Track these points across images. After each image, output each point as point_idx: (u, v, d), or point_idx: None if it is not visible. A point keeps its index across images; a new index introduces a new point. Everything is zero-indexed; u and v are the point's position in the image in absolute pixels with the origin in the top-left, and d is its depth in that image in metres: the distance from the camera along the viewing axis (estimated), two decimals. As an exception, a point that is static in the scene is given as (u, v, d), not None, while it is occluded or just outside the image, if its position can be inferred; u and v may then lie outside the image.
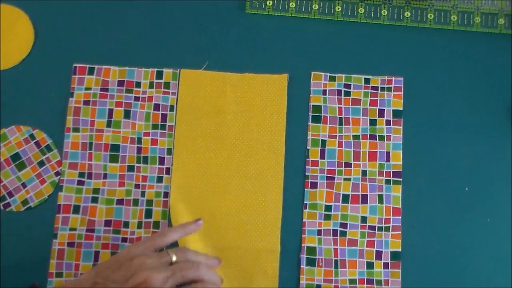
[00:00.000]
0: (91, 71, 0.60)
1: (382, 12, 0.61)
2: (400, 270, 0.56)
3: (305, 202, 0.58)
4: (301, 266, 0.56)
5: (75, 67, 0.60)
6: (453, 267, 0.57)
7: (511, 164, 0.58)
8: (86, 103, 0.59)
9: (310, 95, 0.59)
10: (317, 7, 0.61)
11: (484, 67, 0.61)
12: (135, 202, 0.58)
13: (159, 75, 0.60)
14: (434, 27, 0.61)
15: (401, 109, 0.59)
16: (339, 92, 0.59)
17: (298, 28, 0.61)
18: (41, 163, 0.58)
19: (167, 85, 0.60)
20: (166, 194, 0.58)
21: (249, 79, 0.60)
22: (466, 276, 0.56)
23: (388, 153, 0.58)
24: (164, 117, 0.59)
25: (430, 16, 0.61)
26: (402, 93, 0.59)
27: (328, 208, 0.58)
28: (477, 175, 0.58)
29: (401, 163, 0.58)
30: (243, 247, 0.57)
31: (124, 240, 0.57)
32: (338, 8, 0.61)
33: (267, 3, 0.61)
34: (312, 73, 0.60)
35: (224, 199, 0.58)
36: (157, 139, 0.59)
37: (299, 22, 0.62)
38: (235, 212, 0.57)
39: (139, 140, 0.59)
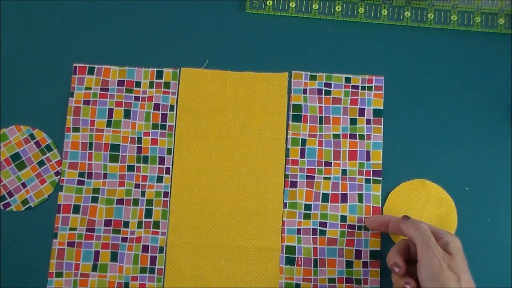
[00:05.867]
0: (91, 71, 0.60)
1: (382, 12, 0.61)
2: (379, 269, 0.56)
3: (284, 201, 0.58)
4: (281, 265, 0.57)
5: (75, 67, 0.60)
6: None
7: (511, 164, 0.58)
8: (86, 103, 0.59)
9: (291, 94, 0.60)
10: (317, 7, 0.61)
11: (484, 67, 0.61)
12: (135, 202, 0.58)
13: (159, 75, 0.60)
14: (434, 27, 0.61)
15: (382, 108, 0.59)
16: (319, 91, 0.60)
17: (298, 28, 0.61)
18: (41, 163, 0.58)
19: (167, 85, 0.60)
20: (166, 194, 0.58)
21: (249, 77, 0.60)
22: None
23: (368, 152, 0.58)
24: (164, 117, 0.59)
25: (430, 16, 0.61)
26: (382, 92, 0.60)
27: (307, 207, 0.58)
28: (477, 175, 0.58)
29: (381, 162, 0.58)
30: (244, 245, 0.57)
31: (124, 240, 0.57)
32: (338, 8, 0.61)
33: (267, 3, 0.62)
34: (293, 72, 0.60)
35: (225, 198, 0.58)
36: (157, 139, 0.59)
37: (299, 22, 0.62)
38: (236, 211, 0.57)
39: (139, 140, 0.59)
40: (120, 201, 0.58)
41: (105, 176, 0.58)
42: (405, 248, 0.52)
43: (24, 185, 0.58)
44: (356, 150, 0.58)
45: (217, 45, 0.61)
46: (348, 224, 0.57)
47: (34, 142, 0.59)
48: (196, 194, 0.58)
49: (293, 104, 0.59)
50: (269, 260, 0.57)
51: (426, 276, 0.48)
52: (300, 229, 0.57)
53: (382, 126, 0.59)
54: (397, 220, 0.53)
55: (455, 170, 0.58)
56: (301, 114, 0.59)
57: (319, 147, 0.59)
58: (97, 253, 0.57)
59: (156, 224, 0.57)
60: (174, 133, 0.59)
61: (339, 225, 0.57)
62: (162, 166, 0.58)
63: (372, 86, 0.60)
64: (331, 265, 0.56)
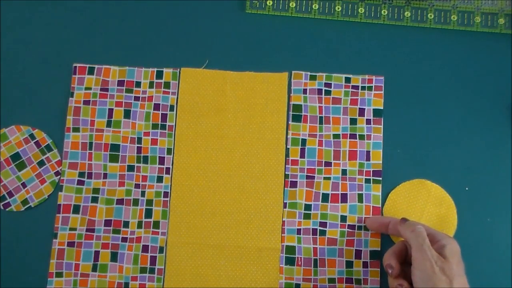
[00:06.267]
0: (91, 71, 0.60)
1: (382, 12, 0.61)
2: (379, 269, 0.56)
3: (284, 201, 0.58)
4: (281, 265, 0.57)
5: (75, 67, 0.60)
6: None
7: (511, 164, 0.58)
8: (86, 103, 0.59)
9: (291, 94, 0.60)
10: (317, 7, 0.61)
11: (484, 67, 0.61)
12: (135, 202, 0.58)
13: (159, 75, 0.60)
14: (434, 27, 0.61)
15: (382, 108, 0.59)
16: (319, 91, 0.60)
17: (298, 28, 0.61)
18: (41, 163, 0.58)
19: (167, 85, 0.60)
20: (166, 194, 0.58)
21: (249, 77, 0.60)
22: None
23: (368, 152, 0.58)
24: (164, 117, 0.59)
25: (430, 16, 0.61)
26: (382, 92, 0.60)
27: (307, 207, 0.58)
28: (477, 175, 0.58)
29: (381, 162, 0.58)
30: (243, 245, 0.57)
31: (124, 240, 0.57)
32: (338, 8, 0.61)
33: (267, 3, 0.62)
34: (293, 72, 0.60)
35: (225, 198, 0.58)
36: (157, 139, 0.59)
37: (299, 22, 0.62)
38: (236, 211, 0.57)
39: (139, 140, 0.59)
40: (120, 201, 0.58)
41: (105, 176, 0.58)
42: (402, 250, 0.52)
43: (24, 185, 0.58)
44: (356, 150, 0.58)
45: (217, 45, 0.61)
46: (348, 224, 0.57)
47: (34, 142, 0.59)
48: (196, 194, 0.58)
49: (293, 104, 0.59)
50: (269, 260, 0.57)
51: (418, 278, 0.48)
52: (300, 229, 0.57)
53: (382, 126, 0.59)
54: (396, 222, 0.53)
55: (455, 170, 0.58)
56: (301, 114, 0.59)
57: (319, 147, 0.59)
58: (97, 253, 0.57)
59: (156, 224, 0.57)
60: (174, 133, 0.59)
61: (339, 225, 0.57)
62: (162, 166, 0.58)
63: (372, 86, 0.60)
64: (331, 265, 0.56)
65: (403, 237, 0.52)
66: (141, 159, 0.58)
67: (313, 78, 0.60)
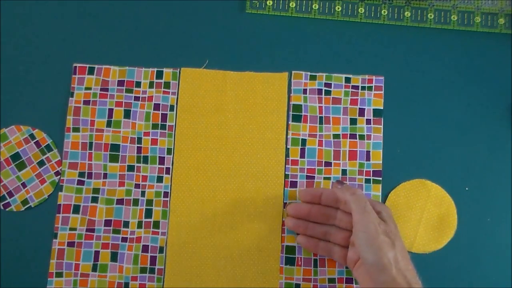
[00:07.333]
0: (91, 71, 0.60)
1: (382, 12, 0.61)
2: None
3: (284, 201, 0.58)
4: (281, 265, 0.57)
5: (75, 67, 0.60)
6: (451, 266, 0.57)
7: (511, 164, 0.59)
8: (86, 103, 0.59)
9: (291, 94, 0.60)
10: (317, 7, 0.62)
11: (484, 67, 0.61)
12: (135, 202, 0.58)
13: (159, 75, 0.60)
14: (434, 27, 0.61)
15: (382, 108, 0.59)
16: (319, 91, 0.60)
17: (298, 28, 0.61)
18: (41, 163, 0.58)
19: (167, 85, 0.60)
20: (166, 194, 0.58)
21: (249, 77, 0.60)
22: (465, 276, 0.56)
23: (368, 152, 0.58)
24: (164, 117, 0.59)
25: (430, 16, 0.61)
26: (382, 92, 0.60)
27: None
28: (477, 175, 0.58)
29: (381, 162, 0.58)
30: (244, 245, 0.57)
31: (124, 239, 0.57)
32: (338, 8, 0.61)
33: (267, 3, 0.62)
34: (293, 72, 0.60)
35: (225, 198, 0.58)
36: (157, 139, 0.59)
37: (299, 22, 0.62)
38: (236, 211, 0.57)
39: (139, 140, 0.59)
40: (120, 201, 0.58)
41: (105, 176, 0.58)
42: (301, 212, 0.55)
43: (24, 185, 0.58)
44: (356, 150, 0.58)
45: (217, 45, 0.61)
46: None
47: (34, 142, 0.59)
48: (196, 194, 0.58)
49: (293, 104, 0.59)
50: (269, 260, 0.57)
51: (362, 241, 0.48)
52: (300, 229, 0.57)
53: (382, 126, 0.59)
54: (330, 192, 0.54)
55: (455, 170, 0.58)
56: (301, 114, 0.59)
57: (319, 147, 0.59)
58: (97, 253, 0.57)
59: (156, 224, 0.57)
60: (174, 133, 0.59)
61: (339, 225, 0.57)
62: (162, 166, 0.58)
63: (372, 86, 0.60)
64: (331, 265, 0.56)
65: (342, 199, 0.53)
66: (141, 159, 0.58)
67: (313, 78, 0.60)
